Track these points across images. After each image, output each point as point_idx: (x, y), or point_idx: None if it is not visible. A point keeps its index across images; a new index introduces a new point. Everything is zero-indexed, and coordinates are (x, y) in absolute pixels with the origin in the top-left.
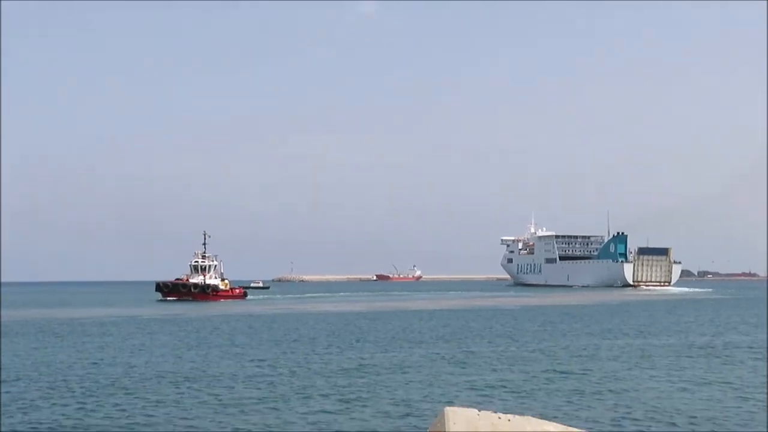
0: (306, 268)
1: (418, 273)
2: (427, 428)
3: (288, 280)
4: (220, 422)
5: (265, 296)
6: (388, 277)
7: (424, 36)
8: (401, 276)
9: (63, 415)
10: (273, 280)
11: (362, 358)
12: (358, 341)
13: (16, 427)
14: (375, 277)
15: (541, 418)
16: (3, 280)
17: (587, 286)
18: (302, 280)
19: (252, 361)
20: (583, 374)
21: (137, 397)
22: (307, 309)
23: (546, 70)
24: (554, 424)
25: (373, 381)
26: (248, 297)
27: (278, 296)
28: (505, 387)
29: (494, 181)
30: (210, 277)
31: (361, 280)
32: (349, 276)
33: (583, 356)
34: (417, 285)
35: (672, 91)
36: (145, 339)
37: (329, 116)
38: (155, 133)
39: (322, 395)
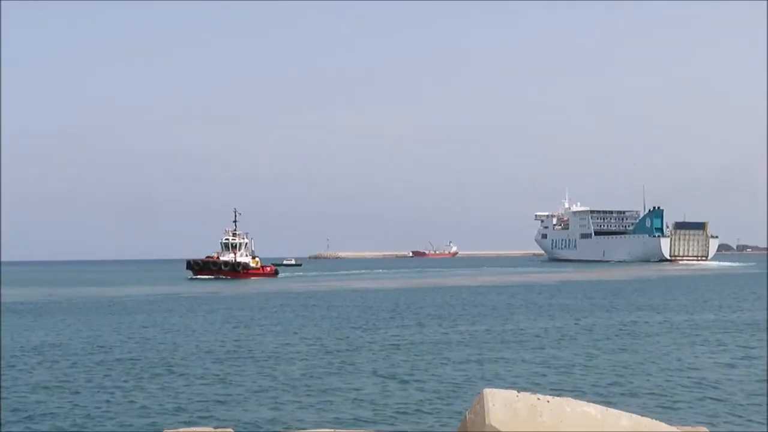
0: (342, 245)
1: (454, 249)
2: (466, 409)
3: (324, 257)
4: (263, 401)
5: (298, 273)
6: (424, 254)
7: (460, 9)
8: (437, 252)
9: (111, 397)
10: (309, 258)
11: (401, 337)
12: (395, 318)
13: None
14: (411, 254)
15: (582, 399)
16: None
17: (623, 261)
18: (338, 257)
19: (293, 338)
20: (626, 351)
21: (185, 376)
22: (342, 286)
23: (581, 35)
24: (595, 405)
25: (413, 360)
26: (280, 275)
27: (312, 273)
28: (547, 366)
29: (527, 154)
30: (241, 255)
31: (397, 256)
32: (385, 253)
33: (625, 333)
34: (453, 261)
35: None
36: (187, 318)
37: (363, 88)
38: (176, 104)
39: (364, 374)
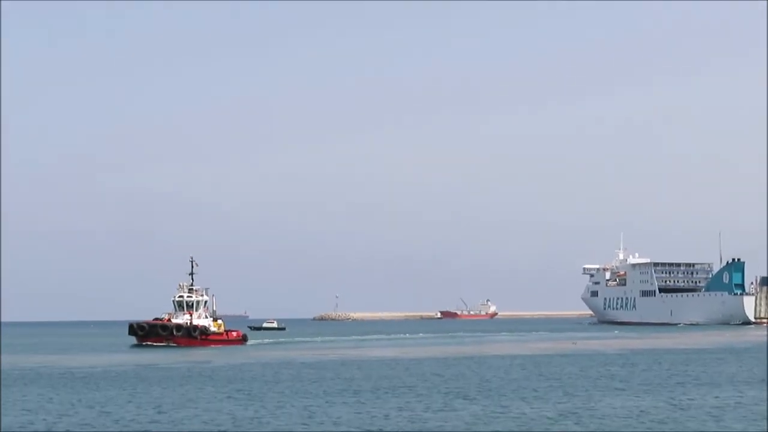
0: (354, 303)
1: (492, 309)
2: None
3: (332, 318)
4: None
5: (275, 340)
6: (455, 314)
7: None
8: (471, 313)
9: None
10: (313, 319)
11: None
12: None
13: None
14: (439, 315)
15: None
16: None
17: (696, 324)
18: (350, 318)
19: None
20: None
21: None
22: (341, 354)
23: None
24: None
25: None
26: (250, 342)
27: (297, 339)
28: None
29: (571, 191)
30: (198, 317)
31: (422, 318)
32: (407, 313)
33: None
34: (492, 324)
35: None
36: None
37: (374, 113)
38: (154, 141)
39: None
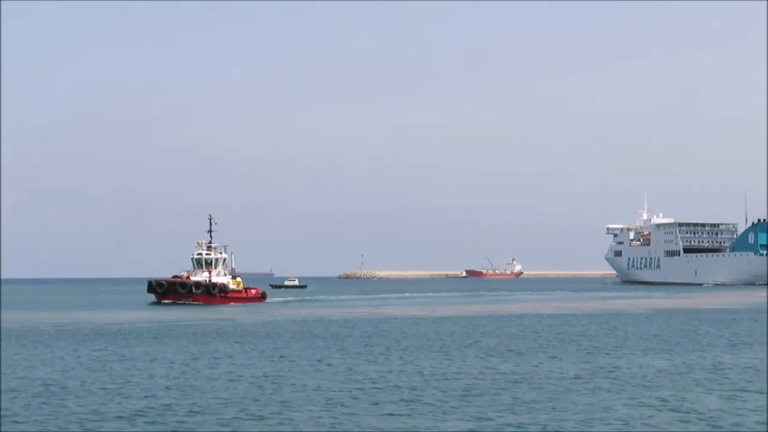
0: (380, 262)
1: (517, 268)
2: None
3: (357, 277)
4: None
5: (297, 297)
6: (480, 273)
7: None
8: (497, 272)
9: None
10: (338, 277)
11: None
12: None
13: None
14: (465, 273)
15: None
16: None
17: (721, 284)
18: (375, 277)
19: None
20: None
21: None
22: (356, 312)
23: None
24: None
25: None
26: (269, 299)
27: (321, 297)
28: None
29: (595, 153)
30: (217, 274)
31: (447, 276)
32: (432, 272)
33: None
34: (517, 283)
35: None
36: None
37: (404, 78)
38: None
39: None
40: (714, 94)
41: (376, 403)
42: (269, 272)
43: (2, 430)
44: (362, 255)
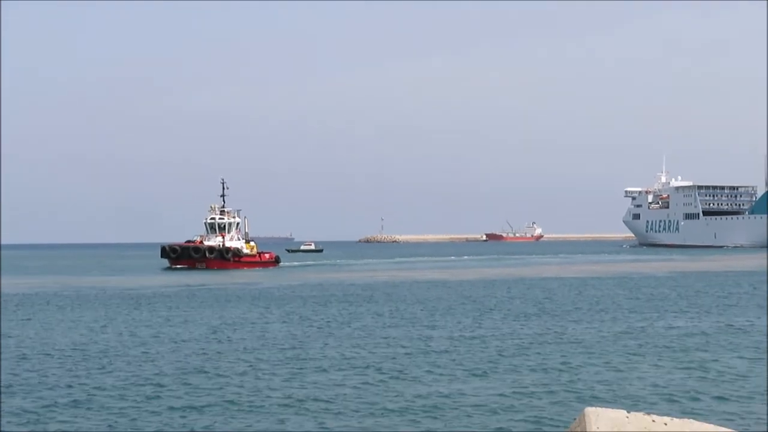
0: (400, 226)
1: (538, 231)
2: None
3: (377, 241)
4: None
5: (314, 262)
6: (501, 237)
7: None
8: (517, 235)
9: None
10: (359, 241)
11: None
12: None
13: None
14: (485, 237)
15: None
16: None
17: (740, 247)
18: (395, 241)
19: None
20: None
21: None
22: (376, 276)
23: None
24: (723, 429)
25: (497, 362)
26: (282, 263)
27: (339, 261)
28: (667, 382)
29: (613, 112)
30: (231, 239)
31: (468, 240)
32: (452, 236)
33: None
34: (537, 246)
35: None
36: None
37: (420, 39)
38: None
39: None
40: (729, 55)
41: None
42: (289, 236)
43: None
44: (382, 219)
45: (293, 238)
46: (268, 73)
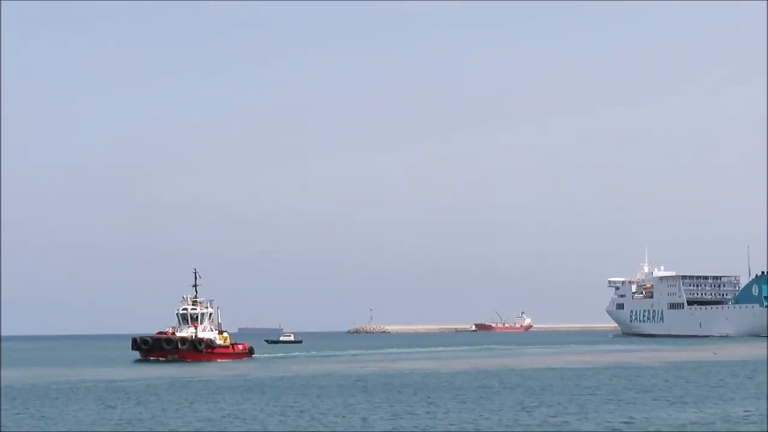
0: (389, 316)
1: (527, 321)
2: None
3: (366, 331)
4: None
5: (284, 354)
6: (490, 327)
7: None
8: (506, 325)
9: None
10: (347, 332)
11: None
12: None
13: None
14: (474, 327)
15: None
16: None
17: (726, 336)
18: (385, 331)
19: None
20: None
21: None
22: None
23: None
24: None
25: None
26: (255, 355)
27: (313, 352)
28: None
29: (596, 206)
30: (203, 329)
31: (457, 330)
32: (442, 326)
33: None
34: (526, 336)
35: None
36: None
37: (403, 128)
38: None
39: None
40: (710, 145)
41: None
42: (278, 327)
43: None
44: (371, 309)
45: (282, 329)
46: (251, 160)
